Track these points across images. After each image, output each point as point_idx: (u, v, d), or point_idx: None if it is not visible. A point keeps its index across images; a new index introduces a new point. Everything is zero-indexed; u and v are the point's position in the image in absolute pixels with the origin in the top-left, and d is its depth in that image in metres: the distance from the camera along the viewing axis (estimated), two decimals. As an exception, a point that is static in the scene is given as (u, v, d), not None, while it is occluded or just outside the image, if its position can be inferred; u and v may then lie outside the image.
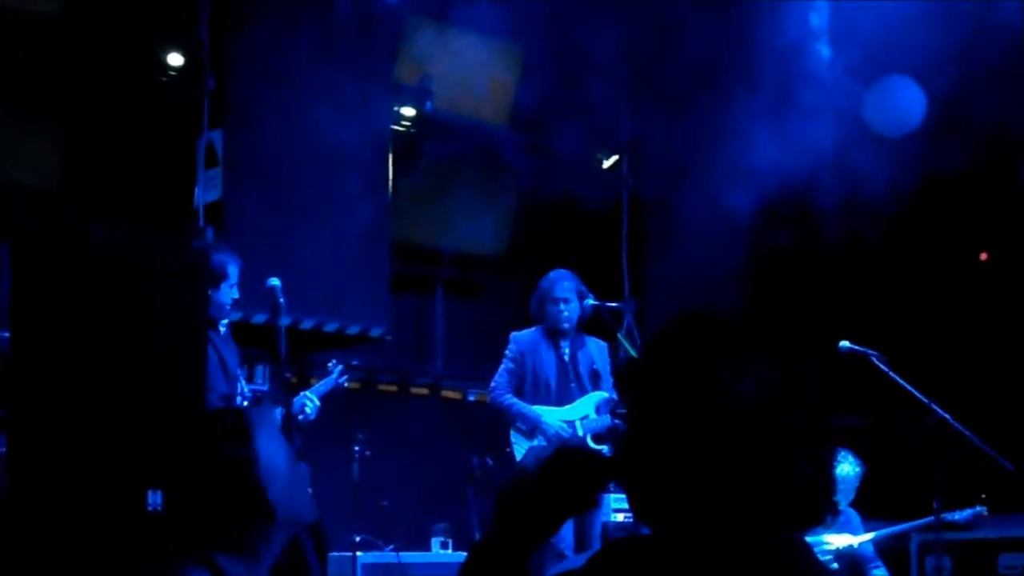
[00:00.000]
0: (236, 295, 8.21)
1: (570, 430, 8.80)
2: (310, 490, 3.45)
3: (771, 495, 2.21)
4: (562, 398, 8.97)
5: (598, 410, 8.95)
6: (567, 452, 2.42)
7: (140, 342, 6.46)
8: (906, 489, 10.41)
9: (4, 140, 10.24)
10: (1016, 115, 11.19)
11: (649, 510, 2.29)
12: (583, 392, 8.99)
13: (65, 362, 6.23)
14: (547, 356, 9.02)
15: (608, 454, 8.56)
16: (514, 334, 9.14)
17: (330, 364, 9.09)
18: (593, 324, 9.18)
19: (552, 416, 8.88)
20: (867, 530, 10.34)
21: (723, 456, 2.20)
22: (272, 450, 3.30)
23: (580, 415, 8.91)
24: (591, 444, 8.71)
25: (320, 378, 9.09)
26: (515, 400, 8.94)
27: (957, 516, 9.76)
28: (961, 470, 8.68)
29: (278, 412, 8.25)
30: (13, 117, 10.28)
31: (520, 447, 8.84)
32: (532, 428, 8.84)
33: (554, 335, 9.03)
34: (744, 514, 2.20)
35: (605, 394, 8.98)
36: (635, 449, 2.30)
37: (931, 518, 8.95)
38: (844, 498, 10.35)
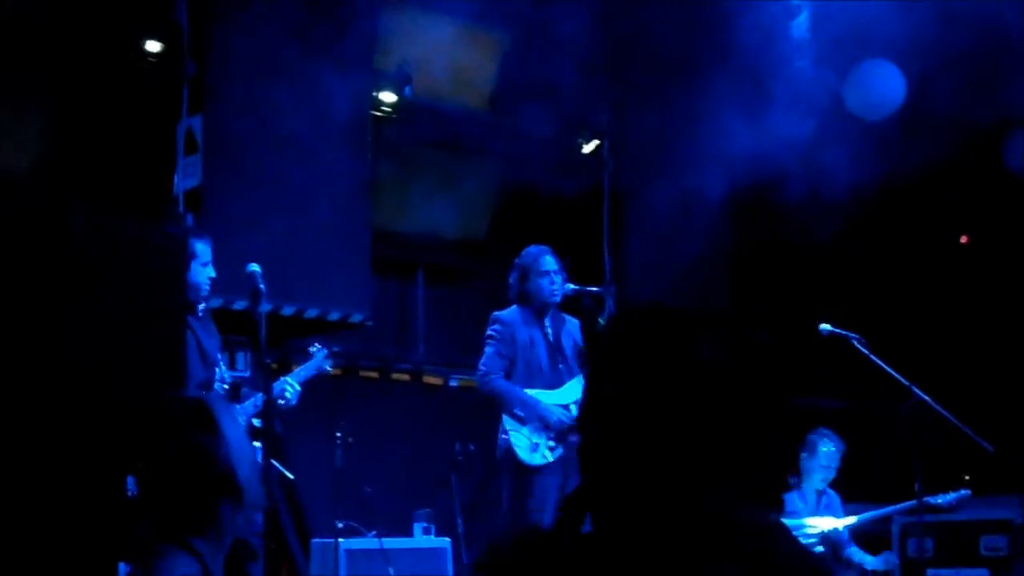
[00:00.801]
0: (212, 274, 8.15)
1: (568, 415, 8.65)
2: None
3: (728, 469, 2.22)
4: (552, 380, 8.82)
5: None
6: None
7: (118, 327, 6.44)
8: (887, 471, 10.43)
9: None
10: (995, 96, 11.21)
11: (611, 488, 2.29)
12: (571, 373, 8.84)
13: (43, 346, 6.21)
14: (536, 336, 8.86)
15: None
16: (496, 313, 8.95)
17: (312, 348, 8.99)
18: (572, 309, 9.11)
19: (549, 401, 8.71)
20: (846, 512, 10.37)
21: (682, 430, 2.21)
22: (237, 436, 3.38)
23: (573, 398, 8.70)
24: None
25: (302, 363, 9.03)
26: (511, 385, 8.75)
27: (941, 500, 9.75)
28: (942, 452, 8.71)
29: (251, 401, 8.24)
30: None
31: (516, 434, 8.63)
32: (533, 415, 8.65)
33: (539, 313, 8.87)
34: (704, 489, 2.21)
35: None
36: (597, 425, 2.31)
37: (914, 502, 8.95)
38: (826, 476, 10.39)
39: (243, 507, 3.38)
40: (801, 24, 12.06)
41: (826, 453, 10.35)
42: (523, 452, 8.55)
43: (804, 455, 10.41)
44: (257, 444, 8.05)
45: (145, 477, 3.39)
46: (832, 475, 10.38)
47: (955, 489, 9.82)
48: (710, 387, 2.25)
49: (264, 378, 7.69)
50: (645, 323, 2.37)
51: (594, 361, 2.40)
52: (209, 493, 3.30)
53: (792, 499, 10.30)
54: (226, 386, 8.16)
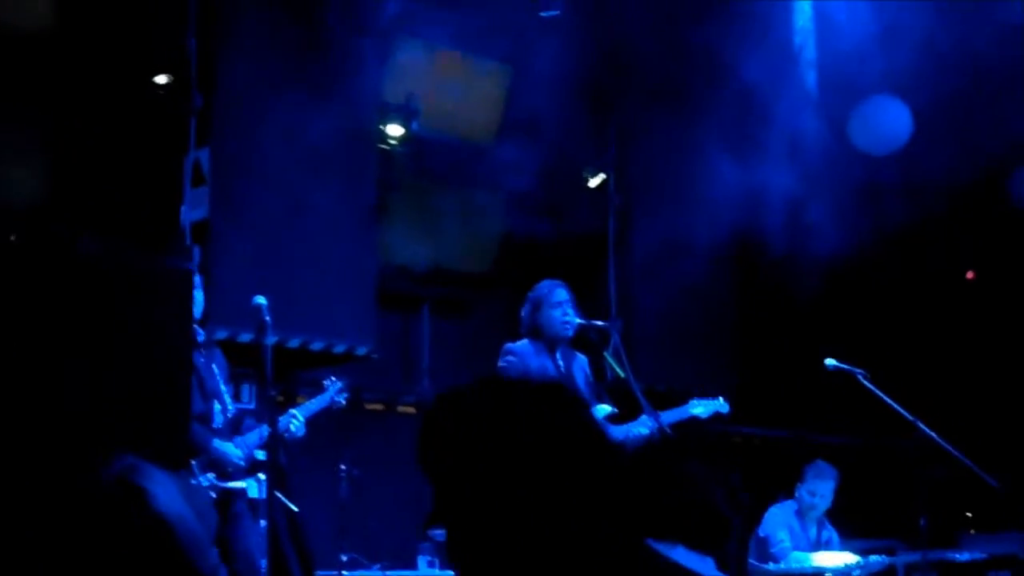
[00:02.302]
0: (200, 299, 8.06)
1: None
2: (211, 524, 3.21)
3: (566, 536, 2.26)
4: None
5: (604, 424, 8.71)
6: None
7: (124, 359, 6.45)
8: (892, 507, 10.43)
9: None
10: (1003, 131, 11.24)
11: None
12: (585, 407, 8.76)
13: (47, 377, 6.22)
14: (548, 369, 8.65)
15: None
16: (508, 345, 8.71)
17: (326, 381, 8.92)
18: (578, 343, 9.07)
19: None
20: (844, 547, 10.36)
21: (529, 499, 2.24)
22: (176, 507, 3.03)
23: None
24: None
25: (311, 395, 8.99)
26: None
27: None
28: (946, 488, 8.70)
29: (256, 433, 8.21)
30: (0, 135, 10.27)
31: None
32: None
33: (550, 346, 8.79)
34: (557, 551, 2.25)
35: (608, 408, 8.76)
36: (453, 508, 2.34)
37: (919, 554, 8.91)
38: (823, 507, 10.39)
39: None
40: (807, 57, 12.11)
41: (823, 483, 10.35)
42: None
43: (802, 486, 10.41)
44: (261, 476, 8.07)
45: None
46: (828, 505, 10.38)
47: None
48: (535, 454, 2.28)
49: (269, 410, 7.69)
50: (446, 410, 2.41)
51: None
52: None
53: (793, 531, 10.29)
54: (229, 416, 8.14)
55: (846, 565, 9.92)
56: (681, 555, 4.03)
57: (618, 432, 8.58)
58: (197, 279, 7.98)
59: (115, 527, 2.97)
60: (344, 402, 8.82)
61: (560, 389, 2.40)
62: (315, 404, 8.63)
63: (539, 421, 2.30)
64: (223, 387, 8.16)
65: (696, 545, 4.08)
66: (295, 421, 8.27)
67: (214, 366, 8.17)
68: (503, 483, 2.25)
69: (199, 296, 7.97)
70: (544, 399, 2.35)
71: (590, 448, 2.32)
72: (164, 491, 3.02)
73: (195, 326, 7.99)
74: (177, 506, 3.01)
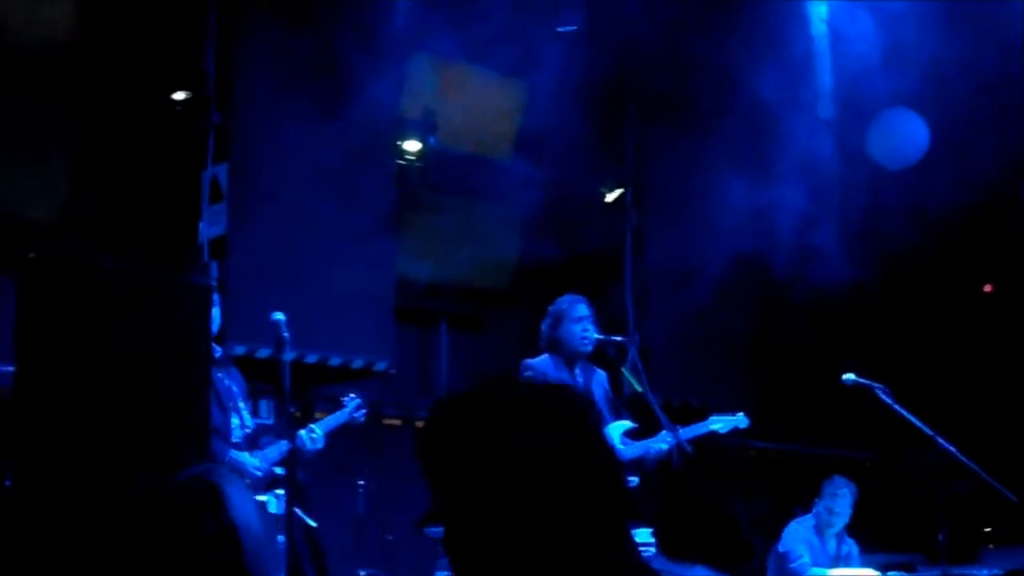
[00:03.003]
0: (218, 320, 8.07)
1: None
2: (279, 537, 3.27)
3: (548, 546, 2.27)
4: None
5: (624, 440, 8.71)
6: None
7: (143, 375, 6.46)
8: (911, 522, 10.40)
9: (11, 174, 10.27)
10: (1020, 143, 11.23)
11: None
12: (604, 422, 8.64)
13: (69, 394, 6.24)
14: (567, 383, 8.83)
15: (636, 485, 8.53)
16: (528, 360, 8.76)
17: (345, 398, 8.91)
18: (596, 358, 9.06)
19: None
20: (865, 561, 10.34)
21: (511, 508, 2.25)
22: (248, 515, 3.09)
23: None
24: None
25: (327, 412, 8.99)
26: None
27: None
28: (965, 502, 8.68)
29: (275, 448, 8.21)
30: (20, 151, 10.30)
31: None
32: None
33: (569, 361, 8.79)
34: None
35: (628, 423, 8.76)
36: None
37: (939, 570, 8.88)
38: (843, 522, 10.38)
39: None
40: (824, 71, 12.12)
41: (842, 499, 10.34)
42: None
43: (820, 502, 10.41)
44: (279, 492, 8.07)
45: (139, 564, 3.11)
46: (846, 520, 10.36)
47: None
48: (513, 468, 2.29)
49: (288, 426, 7.69)
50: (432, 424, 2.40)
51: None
52: None
53: (813, 547, 10.28)
54: (247, 431, 8.15)
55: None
56: (700, 575, 4.03)
57: (638, 448, 8.59)
58: (214, 296, 8.00)
59: (186, 523, 3.01)
60: (363, 419, 8.80)
61: (567, 390, 2.41)
62: (334, 420, 8.61)
63: (541, 422, 2.30)
64: (241, 403, 8.16)
65: (716, 566, 4.08)
66: (314, 435, 8.27)
67: (231, 383, 8.18)
68: (500, 483, 2.26)
69: (216, 313, 7.98)
70: (550, 400, 2.36)
71: (590, 452, 2.32)
72: (239, 497, 3.07)
73: (212, 343, 8.01)
74: (248, 514, 3.06)
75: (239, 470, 7.92)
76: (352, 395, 8.88)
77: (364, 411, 8.79)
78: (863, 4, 11.98)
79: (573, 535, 2.25)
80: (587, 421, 2.35)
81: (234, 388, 8.18)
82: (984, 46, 11.13)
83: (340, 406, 8.83)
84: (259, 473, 8.02)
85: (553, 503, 2.25)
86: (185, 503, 3.04)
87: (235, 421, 8.09)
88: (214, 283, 8.24)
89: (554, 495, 2.25)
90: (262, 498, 8.01)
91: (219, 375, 8.05)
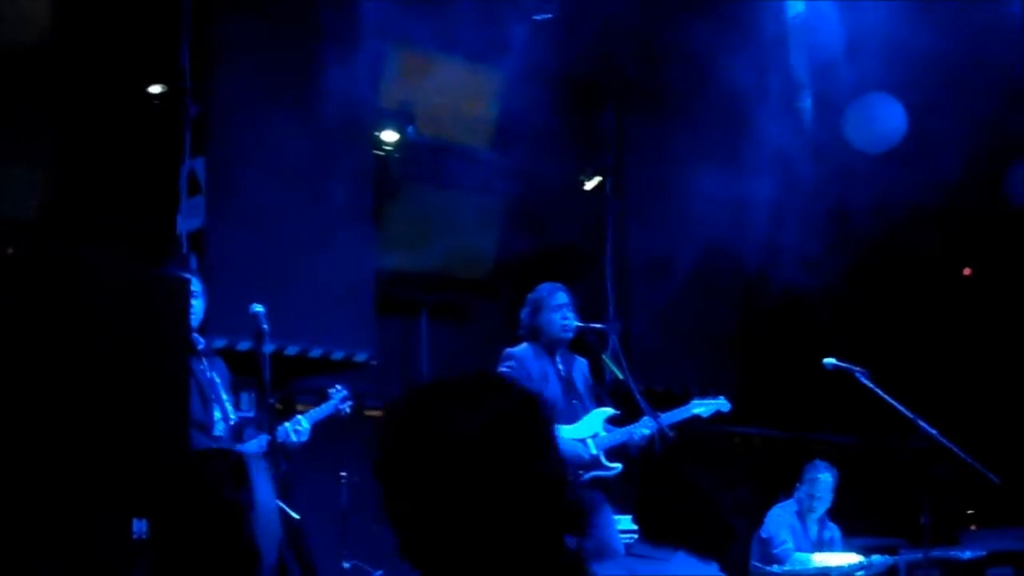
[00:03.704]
0: (201, 312, 8.05)
1: (585, 450, 8.58)
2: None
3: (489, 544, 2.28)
4: (567, 415, 8.60)
5: (607, 427, 8.73)
6: None
7: (122, 369, 6.45)
8: (893, 505, 10.43)
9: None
10: (997, 129, 11.26)
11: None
12: (585, 409, 8.68)
13: (48, 389, 6.22)
14: (548, 372, 8.69)
15: (620, 471, 8.54)
16: (508, 350, 8.74)
17: (331, 390, 8.88)
18: (576, 346, 9.06)
19: (565, 436, 8.47)
20: (847, 546, 10.38)
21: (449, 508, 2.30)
22: (267, 498, 3.20)
23: (590, 433, 8.55)
24: (605, 463, 8.56)
25: (309, 404, 8.97)
26: None
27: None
28: (948, 485, 8.70)
29: (256, 442, 8.18)
30: (-5, 147, 10.28)
31: None
32: None
33: (550, 349, 8.78)
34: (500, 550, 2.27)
35: (610, 410, 8.76)
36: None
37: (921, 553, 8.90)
38: (824, 506, 10.41)
39: (256, 573, 3.22)
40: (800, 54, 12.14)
41: (822, 483, 10.38)
42: (543, 486, 8.45)
43: (801, 487, 10.44)
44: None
45: (166, 526, 3.22)
46: (828, 504, 10.40)
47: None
48: (464, 462, 2.31)
49: (268, 418, 7.67)
50: (399, 407, 2.45)
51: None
52: (223, 552, 3.15)
53: (795, 532, 10.31)
54: (231, 424, 8.11)
55: (849, 565, 9.93)
56: (683, 560, 4.03)
57: (620, 434, 8.59)
58: (198, 286, 7.97)
59: (209, 489, 3.08)
60: (349, 410, 8.78)
61: (516, 405, 2.42)
62: (319, 412, 8.57)
63: (488, 443, 2.32)
64: (224, 395, 8.12)
65: (699, 550, 4.08)
66: (299, 427, 8.23)
67: (214, 374, 8.13)
68: (444, 501, 2.28)
69: (199, 304, 7.96)
70: (499, 423, 2.37)
71: (535, 469, 2.34)
72: (262, 477, 3.16)
73: (195, 333, 7.99)
74: (266, 494, 3.15)
75: None
76: (338, 386, 8.84)
77: (350, 402, 8.76)
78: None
79: (513, 551, 2.27)
80: (534, 437, 2.36)
81: (217, 379, 8.13)
82: (956, 32, 11.16)
83: (324, 398, 8.80)
84: None
85: (494, 519, 2.27)
86: (212, 469, 3.13)
87: (217, 414, 8.04)
88: (195, 275, 8.20)
89: (495, 512, 2.27)
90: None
91: (201, 367, 8.01)
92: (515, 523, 2.29)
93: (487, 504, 2.28)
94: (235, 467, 3.16)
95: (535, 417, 2.39)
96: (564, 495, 2.37)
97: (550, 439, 2.40)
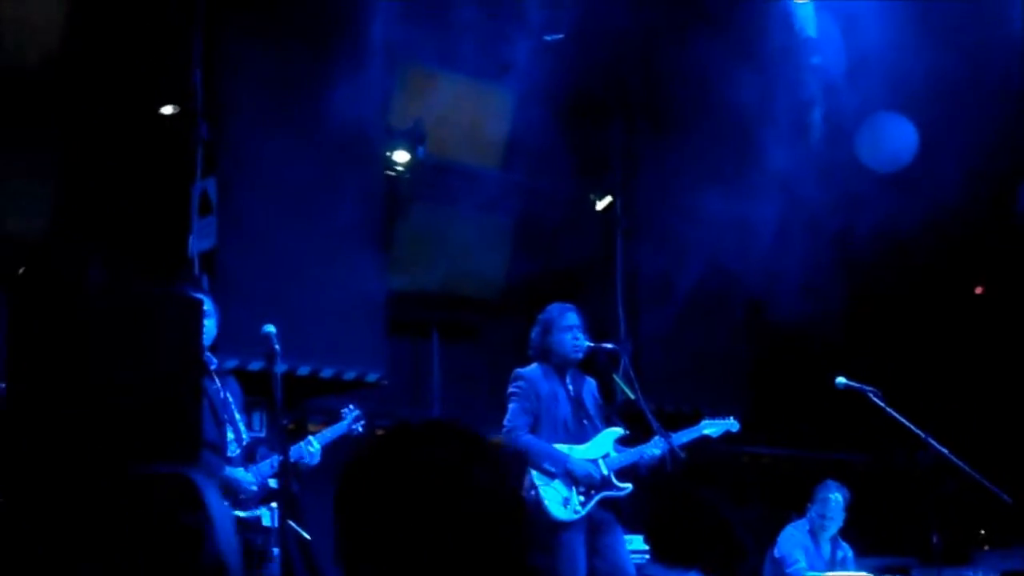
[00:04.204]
0: (213, 331, 8.06)
1: (596, 470, 8.60)
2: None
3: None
4: (577, 435, 8.66)
5: (617, 447, 8.73)
6: None
7: (133, 390, 6.45)
8: (905, 524, 10.40)
9: (0, 189, 10.27)
10: (1009, 146, 11.26)
11: None
12: (595, 429, 8.72)
13: (59, 410, 6.23)
14: (558, 392, 8.72)
15: (630, 491, 8.56)
16: (519, 370, 8.79)
17: (344, 410, 8.88)
18: (587, 366, 9.07)
19: (576, 455, 8.57)
20: (860, 564, 10.36)
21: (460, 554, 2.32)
22: (222, 511, 3.15)
23: (601, 453, 8.60)
24: (615, 483, 8.57)
25: (321, 424, 8.96)
26: (538, 440, 8.55)
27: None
28: (959, 504, 8.68)
29: (268, 462, 8.18)
30: (9, 166, 10.29)
31: (546, 488, 8.43)
32: (561, 469, 8.47)
33: (560, 369, 8.79)
34: None
35: (620, 430, 8.76)
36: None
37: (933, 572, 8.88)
38: (836, 526, 10.40)
39: None
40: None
41: (834, 503, 10.36)
42: (554, 507, 8.46)
43: (813, 507, 10.43)
44: (273, 505, 8.04)
45: (115, 560, 3.16)
46: (840, 523, 10.39)
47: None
48: (486, 511, 2.34)
49: (280, 438, 7.67)
50: (418, 447, 2.47)
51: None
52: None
53: (808, 551, 10.29)
54: (244, 445, 8.11)
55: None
56: None
57: (631, 454, 8.61)
58: (210, 306, 7.98)
59: (162, 514, 3.05)
60: (362, 430, 8.77)
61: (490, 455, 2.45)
62: (332, 432, 8.57)
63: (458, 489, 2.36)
64: (238, 415, 8.12)
65: (711, 570, 4.09)
66: (311, 448, 8.24)
67: (228, 394, 8.14)
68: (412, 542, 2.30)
69: (211, 323, 7.97)
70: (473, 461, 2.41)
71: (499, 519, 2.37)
72: (215, 497, 3.12)
73: (207, 353, 8.00)
74: (222, 515, 3.11)
75: (234, 487, 7.89)
76: (351, 406, 8.85)
77: (363, 422, 8.77)
78: (843, 15, 12.02)
79: None
80: (478, 481, 2.39)
81: (230, 399, 8.14)
82: (962, 50, 11.17)
83: (336, 418, 8.81)
84: (254, 488, 7.98)
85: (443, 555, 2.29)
86: (163, 495, 3.08)
87: (230, 435, 8.05)
88: (207, 295, 8.22)
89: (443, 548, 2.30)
90: (253, 513, 7.99)
91: (215, 387, 8.02)
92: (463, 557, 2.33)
93: (437, 539, 2.31)
94: (187, 489, 3.10)
95: (482, 463, 2.41)
96: (511, 539, 2.40)
97: (499, 480, 2.42)
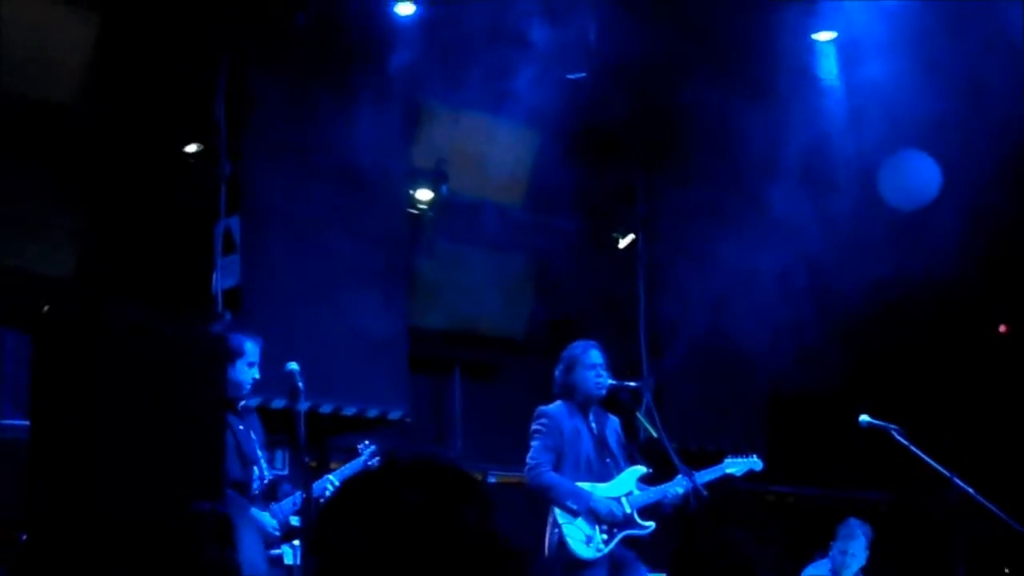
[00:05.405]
0: (256, 375, 8.14)
1: (620, 508, 8.58)
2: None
3: None
4: (600, 473, 8.65)
5: (640, 485, 8.71)
6: None
7: (157, 428, 6.47)
8: (929, 563, 10.35)
9: (24, 228, 10.31)
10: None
11: None
12: (618, 467, 8.71)
13: (83, 450, 6.24)
14: (581, 429, 8.70)
15: (653, 530, 8.54)
16: (542, 408, 8.76)
17: (360, 446, 8.92)
18: (610, 404, 9.06)
19: (600, 494, 8.56)
20: None
21: None
22: (253, 551, 3.17)
23: (624, 491, 8.58)
24: (639, 521, 8.56)
25: (343, 462, 8.99)
26: (562, 478, 8.52)
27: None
28: (984, 543, 8.64)
29: (291, 500, 8.19)
30: (32, 205, 10.34)
31: (569, 526, 8.41)
32: (584, 507, 8.44)
33: (583, 407, 8.78)
34: None
35: (643, 468, 8.76)
36: None
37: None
38: (856, 563, 10.35)
39: None
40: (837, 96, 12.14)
41: (855, 541, 10.31)
42: (577, 545, 8.43)
43: (835, 545, 10.38)
44: (295, 542, 8.05)
45: None
46: (862, 563, 10.34)
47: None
48: (395, 536, 2.30)
49: (303, 476, 7.67)
50: (405, 483, 2.41)
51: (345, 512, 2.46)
52: None
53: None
54: (265, 483, 8.12)
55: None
56: None
57: (654, 493, 8.59)
58: (256, 354, 8.08)
59: (193, 549, 3.07)
60: None
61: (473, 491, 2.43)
62: (350, 469, 8.61)
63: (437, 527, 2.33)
64: (260, 453, 8.15)
65: None
66: (330, 486, 8.26)
67: (251, 432, 8.17)
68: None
69: (255, 372, 8.06)
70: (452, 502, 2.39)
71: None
72: (249, 534, 3.15)
73: (242, 396, 8.06)
74: (254, 553, 3.14)
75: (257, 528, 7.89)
76: (367, 442, 8.89)
77: (379, 458, 8.78)
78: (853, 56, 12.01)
79: None
80: (464, 517, 2.37)
81: (253, 436, 8.17)
82: (977, 87, 11.15)
83: (355, 455, 8.84)
84: (277, 532, 7.98)
85: None
86: (195, 529, 3.11)
87: (255, 472, 8.07)
88: (256, 342, 8.28)
89: None
90: (275, 552, 7.99)
91: (240, 426, 8.05)
92: None
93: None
94: (220, 526, 3.12)
95: (470, 498, 2.39)
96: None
97: (485, 519, 2.40)
